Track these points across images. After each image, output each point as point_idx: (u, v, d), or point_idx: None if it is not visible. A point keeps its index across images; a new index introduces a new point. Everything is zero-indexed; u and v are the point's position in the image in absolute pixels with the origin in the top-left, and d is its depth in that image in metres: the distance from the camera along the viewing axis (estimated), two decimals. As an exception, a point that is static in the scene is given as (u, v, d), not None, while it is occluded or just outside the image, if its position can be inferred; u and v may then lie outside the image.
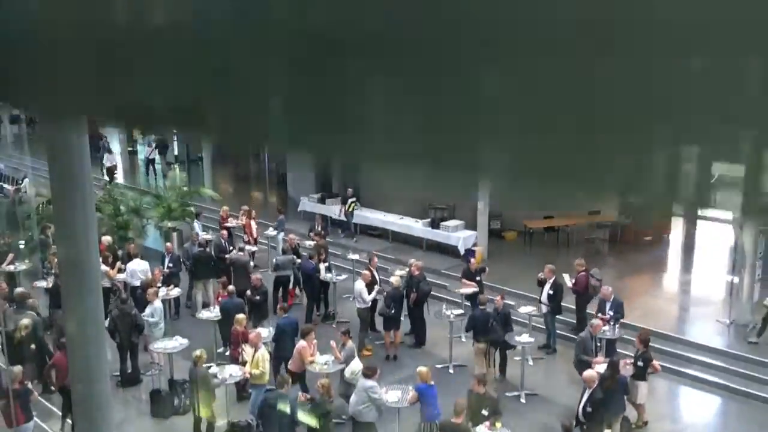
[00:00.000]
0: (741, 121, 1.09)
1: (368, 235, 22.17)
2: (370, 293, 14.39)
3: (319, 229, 19.90)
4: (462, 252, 19.48)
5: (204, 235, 18.53)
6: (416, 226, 20.78)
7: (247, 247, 18.56)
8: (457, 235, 19.82)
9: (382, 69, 1.43)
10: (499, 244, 20.88)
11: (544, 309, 14.49)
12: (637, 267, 19.18)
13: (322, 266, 16.35)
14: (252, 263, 17.72)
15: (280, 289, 16.57)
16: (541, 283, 14.66)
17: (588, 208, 21.71)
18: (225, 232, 18.41)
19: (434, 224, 20.34)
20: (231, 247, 18.00)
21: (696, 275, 18.88)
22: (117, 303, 13.49)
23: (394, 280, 14.41)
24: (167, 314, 14.73)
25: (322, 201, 23.44)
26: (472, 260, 16.43)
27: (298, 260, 16.97)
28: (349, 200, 21.65)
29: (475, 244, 19.74)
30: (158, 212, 21.65)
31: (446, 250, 20.16)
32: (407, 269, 15.66)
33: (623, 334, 13.41)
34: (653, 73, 1.12)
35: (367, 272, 14.67)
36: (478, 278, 15.69)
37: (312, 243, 18.65)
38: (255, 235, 20.32)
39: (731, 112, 1.08)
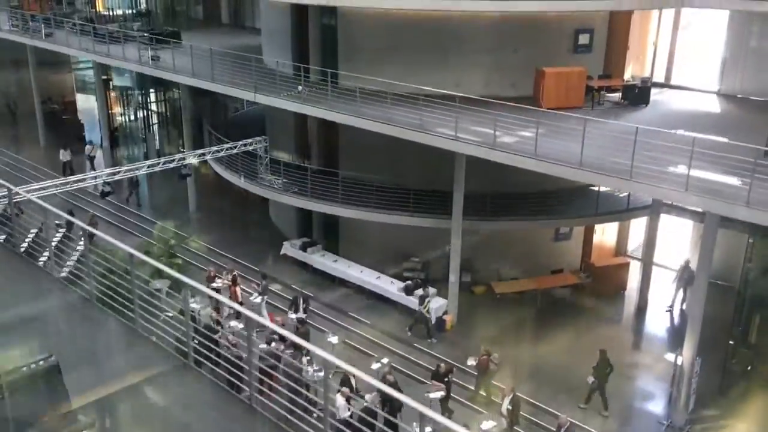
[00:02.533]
0: None
1: (345, 286, 23.62)
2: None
3: (303, 313, 20.90)
4: (433, 321, 21.07)
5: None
6: (391, 289, 22.23)
7: (234, 323, 19.99)
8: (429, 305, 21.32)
9: None
10: (469, 300, 22.41)
11: (504, 423, 16.22)
12: (590, 334, 20.90)
13: (305, 360, 17.87)
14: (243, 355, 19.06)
15: (265, 376, 18.07)
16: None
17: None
18: (215, 312, 19.73)
19: (407, 291, 21.81)
20: (219, 326, 19.39)
21: (643, 356, 20.63)
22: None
23: (369, 398, 15.97)
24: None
25: (303, 249, 24.76)
26: (442, 365, 17.88)
27: (282, 346, 18.50)
28: (426, 300, 20.97)
29: (445, 312, 21.32)
30: (148, 270, 22.90)
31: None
32: (383, 366, 17.39)
33: None
34: None
35: (345, 389, 16.23)
36: (446, 379, 17.32)
37: (295, 316, 20.17)
38: (240, 300, 21.78)
39: None
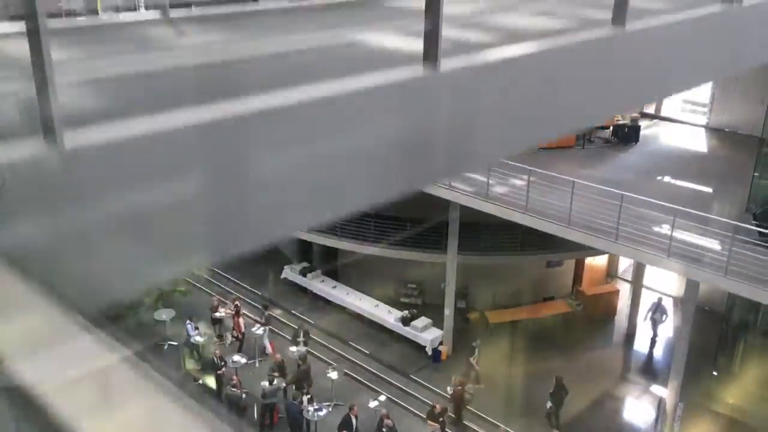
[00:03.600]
0: None
1: (344, 312, 24.32)
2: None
3: (303, 346, 21.57)
4: (429, 352, 21.87)
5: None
6: (388, 319, 22.96)
7: (237, 358, 20.79)
8: (425, 335, 22.08)
9: None
10: (464, 328, 23.08)
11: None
12: (580, 364, 21.65)
13: (305, 398, 18.69)
14: (243, 395, 19.76)
15: (267, 413, 18.94)
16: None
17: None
18: (218, 351, 20.49)
19: (405, 322, 22.55)
20: (222, 362, 20.19)
21: (629, 387, 21.40)
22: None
23: (367, 443, 16.83)
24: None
25: (303, 274, 25.47)
26: (437, 406, 18.65)
27: (284, 384, 19.35)
28: (476, 349, 21.05)
29: (441, 343, 22.08)
30: (152, 298, 23.65)
31: (416, 342, 22.46)
32: (380, 405, 18.26)
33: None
34: None
35: (345, 433, 17.11)
36: (441, 419, 18.13)
37: (296, 351, 20.94)
38: (242, 330, 22.56)
39: None
